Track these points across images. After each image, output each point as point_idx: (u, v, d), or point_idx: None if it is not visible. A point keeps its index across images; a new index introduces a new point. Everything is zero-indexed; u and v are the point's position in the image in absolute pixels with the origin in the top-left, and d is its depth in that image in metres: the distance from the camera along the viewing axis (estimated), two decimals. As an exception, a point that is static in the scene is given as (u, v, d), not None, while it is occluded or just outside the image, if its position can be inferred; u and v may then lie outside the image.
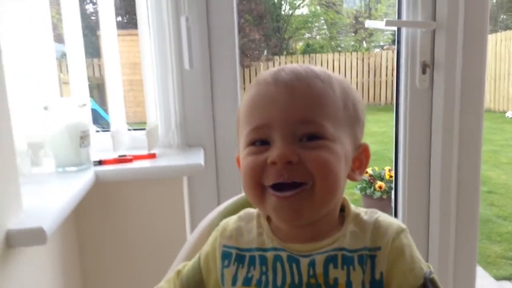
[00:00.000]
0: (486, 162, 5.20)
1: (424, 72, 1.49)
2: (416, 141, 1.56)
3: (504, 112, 8.34)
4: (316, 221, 0.65)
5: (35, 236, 0.85)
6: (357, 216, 0.66)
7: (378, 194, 3.55)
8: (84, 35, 1.42)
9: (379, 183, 3.56)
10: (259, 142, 0.64)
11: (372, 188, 3.59)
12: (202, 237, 0.85)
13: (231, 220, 0.72)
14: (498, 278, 2.75)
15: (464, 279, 1.62)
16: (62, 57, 1.40)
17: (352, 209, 0.68)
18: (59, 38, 1.46)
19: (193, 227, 0.91)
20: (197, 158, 1.34)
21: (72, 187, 1.11)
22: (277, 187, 0.61)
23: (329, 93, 0.64)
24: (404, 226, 0.65)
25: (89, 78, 1.46)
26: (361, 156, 0.68)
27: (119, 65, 1.39)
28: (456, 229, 1.59)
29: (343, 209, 0.68)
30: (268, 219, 0.70)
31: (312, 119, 0.62)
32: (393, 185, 1.75)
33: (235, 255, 0.67)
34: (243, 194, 0.91)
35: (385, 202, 3.49)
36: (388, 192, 3.49)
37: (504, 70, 8.51)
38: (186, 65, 1.38)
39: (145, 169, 1.30)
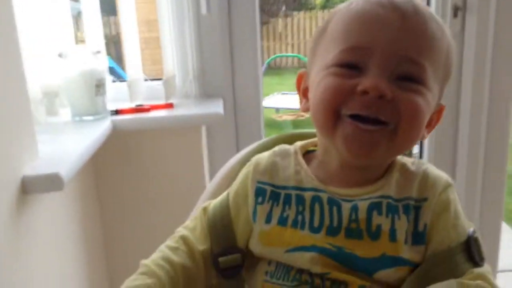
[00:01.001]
0: None
1: (455, 15, 1.40)
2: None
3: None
4: (368, 168, 0.62)
5: (52, 182, 0.84)
6: (403, 165, 0.63)
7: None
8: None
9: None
10: (348, 66, 0.57)
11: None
12: (221, 185, 0.83)
13: (265, 155, 0.68)
14: (522, 233, 2.72)
15: (489, 234, 1.58)
16: (79, 15, 1.36)
17: (398, 157, 0.64)
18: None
19: (211, 177, 0.88)
20: (216, 107, 1.30)
21: (89, 136, 1.09)
22: (356, 118, 0.56)
23: (440, 39, 0.58)
24: (451, 181, 0.62)
25: (106, 36, 1.43)
26: (434, 116, 0.64)
27: (136, 20, 1.35)
28: (483, 184, 1.54)
29: None
30: (305, 158, 0.66)
31: (418, 59, 0.56)
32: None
33: (269, 192, 0.63)
34: (262, 140, 0.87)
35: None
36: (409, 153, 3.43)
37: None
38: (204, 10, 1.32)
39: (163, 118, 1.27)
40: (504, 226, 2.75)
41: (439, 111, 0.64)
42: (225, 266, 0.63)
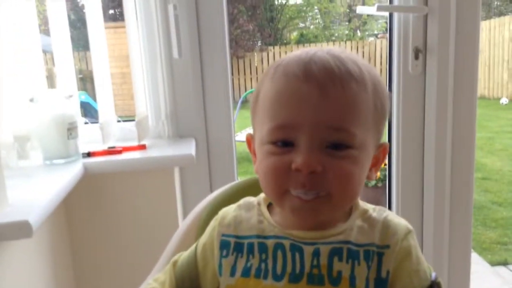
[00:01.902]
0: (481, 148, 5.21)
1: (416, 57, 1.47)
2: (409, 127, 1.54)
3: (499, 98, 8.35)
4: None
5: (21, 230, 0.83)
6: (365, 212, 0.65)
7: (373, 182, 3.54)
8: (77, 28, 1.41)
9: (374, 171, 3.56)
10: (282, 142, 0.61)
11: (367, 176, 3.58)
12: (193, 225, 0.85)
13: (231, 209, 0.70)
14: (493, 263, 2.75)
15: (459, 265, 1.62)
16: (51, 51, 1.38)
17: (360, 204, 0.67)
18: (48, 32, 1.44)
19: (185, 218, 0.90)
20: (188, 148, 1.32)
21: (60, 180, 1.09)
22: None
23: (363, 97, 0.60)
24: (411, 227, 0.64)
25: (82, 71, 1.45)
26: (379, 155, 0.67)
27: (107, 58, 1.38)
28: (451, 216, 1.58)
29: None
30: (269, 207, 0.68)
31: (344, 127, 0.59)
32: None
33: (233, 244, 0.65)
34: (234, 182, 0.90)
35: (380, 190, 3.49)
36: (383, 180, 3.48)
37: (498, 57, 8.51)
38: (175, 54, 1.36)
39: (135, 160, 1.28)
40: (477, 257, 2.79)
41: (382, 150, 0.67)
42: None
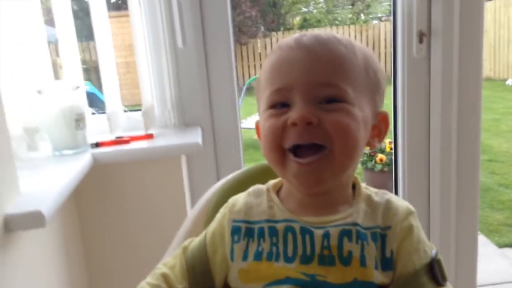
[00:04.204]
0: (487, 130, 5.19)
1: (421, 41, 1.46)
2: (414, 112, 1.54)
3: (505, 80, 8.27)
4: (329, 193, 0.66)
5: (34, 220, 0.85)
6: (368, 196, 0.67)
7: (379, 167, 3.55)
8: (79, 18, 1.41)
9: (379, 156, 3.56)
10: (280, 105, 0.64)
11: (373, 161, 3.59)
12: (202, 212, 0.86)
13: (240, 196, 0.72)
14: (501, 245, 2.77)
15: (466, 248, 1.62)
16: (56, 42, 1.39)
17: (363, 188, 0.69)
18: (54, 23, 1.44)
19: (193, 206, 0.91)
20: (195, 137, 1.33)
21: (70, 170, 1.10)
22: (297, 152, 0.62)
23: (351, 59, 0.64)
24: (413, 208, 0.66)
25: (86, 62, 1.45)
26: (380, 124, 0.69)
27: (112, 47, 1.38)
28: (457, 198, 1.59)
29: (354, 187, 0.69)
30: (278, 193, 0.70)
31: (333, 82, 0.62)
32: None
33: (244, 229, 0.67)
34: (242, 169, 0.91)
35: (386, 174, 3.49)
36: (389, 165, 3.49)
37: (504, 38, 8.41)
38: (179, 43, 1.36)
39: (143, 149, 1.30)
40: (484, 239, 2.80)
41: (382, 119, 0.70)
42: None
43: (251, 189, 0.73)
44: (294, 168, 0.63)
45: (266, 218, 0.66)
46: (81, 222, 1.36)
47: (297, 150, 0.63)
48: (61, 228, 1.21)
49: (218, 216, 0.72)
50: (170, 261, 0.72)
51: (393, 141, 1.69)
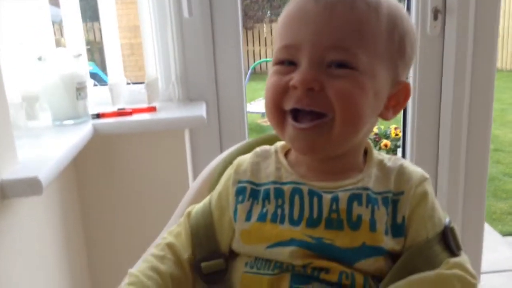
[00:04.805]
0: (494, 120, 5.07)
1: (435, 18, 1.41)
2: (426, 91, 1.50)
3: (512, 70, 8.20)
4: (339, 158, 0.63)
5: (31, 186, 0.83)
6: (380, 161, 0.64)
7: (383, 152, 3.52)
8: (83, -1, 1.38)
9: (384, 141, 3.52)
10: (287, 62, 0.60)
11: (378, 146, 3.55)
12: (205, 183, 0.83)
13: (247, 156, 0.69)
14: (504, 233, 2.76)
15: (472, 236, 1.60)
16: (61, 22, 1.36)
17: (375, 154, 0.66)
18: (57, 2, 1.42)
19: (195, 180, 0.88)
20: (199, 110, 1.30)
21: (70, 140, 1.08)
22: (296, 115, 0.59)
23: (372, 20, 0.58)
24: (427, 175, 0.63)
25: (89, 42, 1.44)
26: (399, 95, 0.64)
27: (117, 25, 1.35)
28: (465, 187, 1.55)
29: (366, 152, 0.66)
30: (286, 156, 0.67)
31: (344, 46, 0.57)
32: (399, 143, 1.71)
33: (249, 190, 0.64)
34: (246, 140, 0.87)
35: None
36: (393, 150, 3.45)
37: (511, 28, 8.32)
38: (186, 13, 1.31)
39: (145, 121, 1.26)
40: (488, 228, 2.79)
41: (403, 89, 0.64)
42: (208, 271, 0.63)
43: (258, 149, 0.69)
44: (290, 131, 0.60)
45: (273, 180, 0.63)
46: (80, 192, 1.34)
47: (297, 114, 0.59)
48: (59, 197, 1.19)
49: (224, 177, 0.69)
50: (175, 228, 0.68)
51: (402, 124, 1.65)
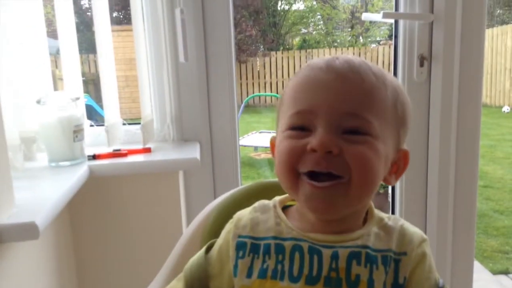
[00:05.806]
0: (483, 156, 5.21)
1: (421, 65, 1.47)
2: (413, 135, 1.54)
3: (501, 107, 8.35)
4: (343, 217, 0.64)
5: (27, 231, 0.84)
6: (381, 220, 0.66)
7: (374, 189, 3.53)
8: (80, 31, 1.41)
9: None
10: (300, 128, 0.62)
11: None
12: (199, 230, 0.84)
13: (246, 211, 0.70)
14: (495, 272, 2.75)
15: (462, 274, 1.61)
16: (57, 53, 1.39)
17: (376, 212, 0.68)
18: (54, 34, 1.45)
19: (189, 222, 0.90)
20: (193, 152, 1.32)
21: (66, 182, 1.09)
22: (312, 176, 0.61)
23: (381, 90, 0.62)
24: (426, 236, 0.66)
25: (84, 74, 1.46)
26: (400, 162, 0.67)
27: (114, 61, 1.38)
28: (454, 224, 1.58)
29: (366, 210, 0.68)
30: (285, 211, 0.69)
31: (359, 113, 0.60)
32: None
33: (250, 245, 0.65)
34: (239, 187, 0.90)
35: (382, 196, 3.47)
36: (385, 187, 3.47)
37: (500, 65, 8.52)
38: (181, 58, 1.36)
39: (140, 163, 1.28)
40: (479, 266, 2.79)
41: (403, 156, 0.68)
42: None
43: (256, 204, 0.71)
44: (307, 190, 0.61)
45: (273, 235, 0.65)
46: (74, 235, 1.34)
47: (312, 175, 0.61)
48: (54, 240, 1.19)
49: (224, 231, 0.71)
50: (175, 285, 0.70)
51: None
